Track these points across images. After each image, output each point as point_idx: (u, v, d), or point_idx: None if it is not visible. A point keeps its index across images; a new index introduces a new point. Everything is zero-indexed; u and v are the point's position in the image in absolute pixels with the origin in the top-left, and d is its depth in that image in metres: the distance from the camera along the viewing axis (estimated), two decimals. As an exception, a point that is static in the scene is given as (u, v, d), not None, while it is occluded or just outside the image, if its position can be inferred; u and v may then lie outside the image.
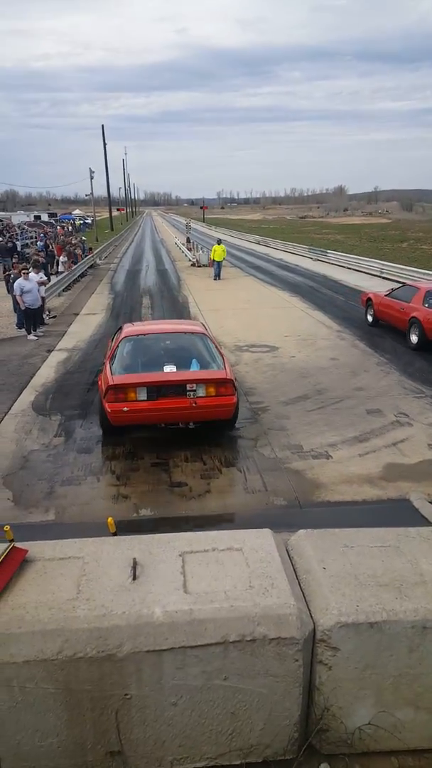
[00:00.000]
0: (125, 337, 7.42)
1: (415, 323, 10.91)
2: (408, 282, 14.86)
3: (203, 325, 8.70)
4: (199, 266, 27.04)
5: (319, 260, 30.32)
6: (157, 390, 6.29)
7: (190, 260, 29.82)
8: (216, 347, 7.43)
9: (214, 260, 23.43)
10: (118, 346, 7.21)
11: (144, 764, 2.62)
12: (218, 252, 23.13)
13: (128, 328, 7.94)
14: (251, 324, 13.86)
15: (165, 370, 6.57)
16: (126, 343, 7.30)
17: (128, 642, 2.45)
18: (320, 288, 20.60)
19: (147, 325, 9.23)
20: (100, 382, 6.88)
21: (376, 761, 2.75)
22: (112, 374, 6.54)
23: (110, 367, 6.74)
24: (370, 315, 13.27)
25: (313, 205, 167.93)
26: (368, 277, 22.81)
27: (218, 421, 6.63)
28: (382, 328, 12.75)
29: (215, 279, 23.06)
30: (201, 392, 6.34)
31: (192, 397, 6.28)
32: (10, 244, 26.94)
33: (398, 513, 5.21)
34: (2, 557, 2.72)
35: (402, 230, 55.30)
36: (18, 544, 2.87)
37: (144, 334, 7.59)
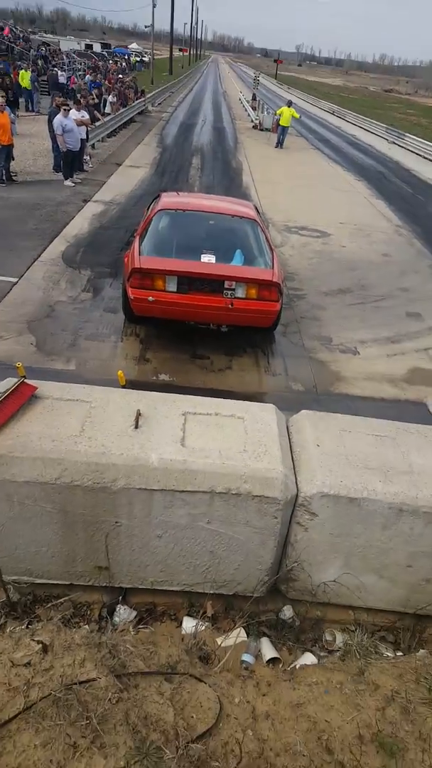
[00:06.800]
0: (162, 209, 6.43)
1: None
2: None
3: (256, 209, 7.38)
4: (262, 129, 24.82)
5: (394, 143, 27.56)
6: (190, 282, 5.50)
7: (252, 121, 27.42)
8: (267, 239, 6.44)
9: (279, 124, 21.20)
10: (152, 220, 6.29)
11: (127, 581, 2.96)
12: (285, 116, 20.43)
13: (167, 198, 6.95)
14: (307, 204, 13.05)
15: (202, 260, 5.71)
16: (162, 218, 6.39)
17: (122, 479, 2.63)
18: (389, 175, 18.96)
19: (190, 197, 8.03)
20: (126, 259, 6.01)
21: (335, 611, 3.04)
22: (140, 254, 5.70)
23: (139, 245, 5.88)
24: None
25: (401, 78, 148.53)
26: (444, 171, 20.78)
27: (255, 328, 5.98)
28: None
29: (277, 147, 21.07)
30: (241, 293, 5.54)
31: (230, 296, 5.50)
32: (54, 73, 24.94)
33: (412, 415, 5.23)
34: (11, 390, 2.84)
35: None
36: (29, 381, 2.98)
37: (184, 210, 6.56)
